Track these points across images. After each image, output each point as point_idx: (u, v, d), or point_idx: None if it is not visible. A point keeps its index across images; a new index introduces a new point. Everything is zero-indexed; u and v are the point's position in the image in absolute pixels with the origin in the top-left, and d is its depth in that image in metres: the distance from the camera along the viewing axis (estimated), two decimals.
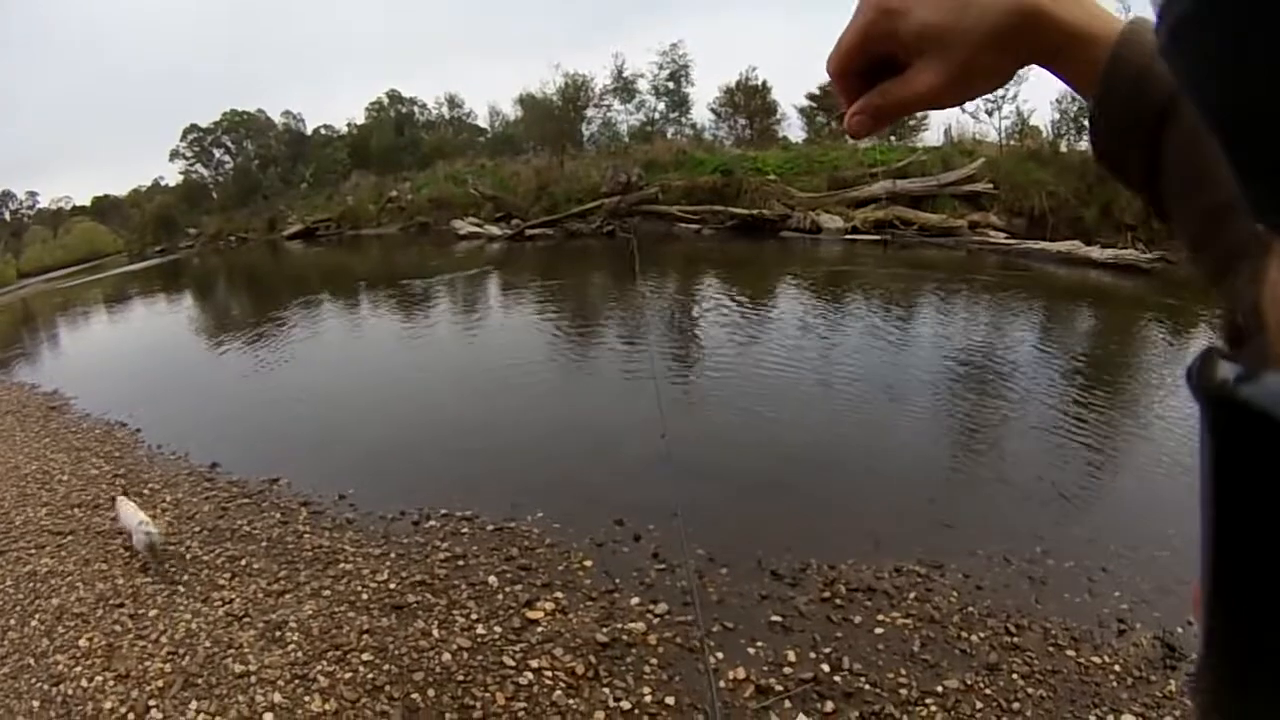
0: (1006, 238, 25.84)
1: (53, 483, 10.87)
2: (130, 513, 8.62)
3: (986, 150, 31.26)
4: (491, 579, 7.00)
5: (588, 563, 7.17)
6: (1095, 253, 22.52)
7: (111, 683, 6.17)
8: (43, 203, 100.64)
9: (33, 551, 8.84)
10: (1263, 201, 0.38)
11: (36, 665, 6.59)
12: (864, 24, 0.83)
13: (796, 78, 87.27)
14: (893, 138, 38.48)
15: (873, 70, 0.86)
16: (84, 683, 6.22)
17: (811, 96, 46.41)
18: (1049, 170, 27.93)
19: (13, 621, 7.35)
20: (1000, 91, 31.14)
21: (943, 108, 0.87)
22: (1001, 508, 7.77)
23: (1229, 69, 0.35)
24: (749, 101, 47.37)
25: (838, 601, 6.23)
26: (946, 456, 9.28)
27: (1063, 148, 30.64)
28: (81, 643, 6.78)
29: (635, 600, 6.45)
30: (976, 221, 27.06)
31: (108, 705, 5.89)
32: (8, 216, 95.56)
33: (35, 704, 6.08)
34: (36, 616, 7.38)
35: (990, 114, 33.59)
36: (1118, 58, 0.75)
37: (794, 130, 47.34)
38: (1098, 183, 25.33)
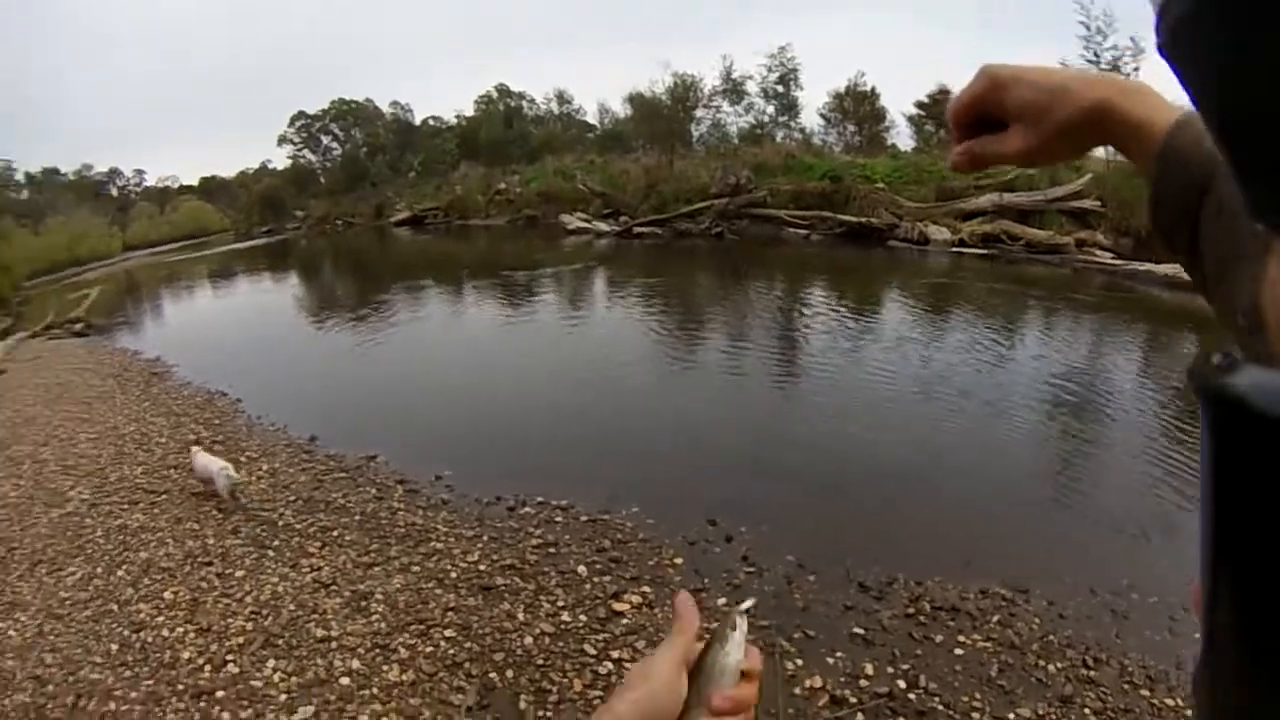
0: (1113, 258, 24.93)
1: (150, 444, 11.07)
2: (206, 461, 9.08)
3: (1094, 166, 30.34)
4: (581, 568, 6.93)
5: (678, 560, 7.05)
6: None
7: (192, 635, 6.24)
8: (150, 180, 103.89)
9: (125, 507, 9.00)
10: (1262, 201, 0.39)
11: (119, 612, 6.70)
12: (979, 89, 1.03)
13: (906, 85, 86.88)
14: None
15: (979, 123, 1.05)
16: (164, 632, 6.31)
17: (920, 105, 46.20)
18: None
19: (99, 570, 7.50)
20: None
21: (1026, 166, 1.10)
22: (1092, 536, 7.46)
23: (1228, 69, 0.37)
24: (858, 107, 47.21)
25: (921, 619, 6.02)
26: (1042, 479, 8.96)
27: None
28: (166, 595, 6.88)
29: (721, 600, 6.31)
30: (1083, 240, 26.31)
31: (185, 655, 5.97)
32: (115, 192, 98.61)
33: (114, 646, 6.20)
34: (124, 567, 7.50)
35: None
36: (1170, 145, 0.89)
37: (903, 138, 47.02)
38: None
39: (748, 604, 1.10)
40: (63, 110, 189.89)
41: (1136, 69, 30.77)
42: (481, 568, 7.10)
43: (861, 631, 5.89)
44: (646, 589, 6.56)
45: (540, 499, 8.46)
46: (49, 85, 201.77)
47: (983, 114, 1.04)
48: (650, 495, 8.35)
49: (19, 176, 79.00)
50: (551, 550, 7.34)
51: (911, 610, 6.12)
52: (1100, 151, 30.51)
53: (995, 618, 6.06)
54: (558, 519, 8.05)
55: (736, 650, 1.04)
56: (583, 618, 6.21)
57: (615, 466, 9.40)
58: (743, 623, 1.06)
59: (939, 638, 5.77)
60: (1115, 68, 31.23)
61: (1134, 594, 6.40)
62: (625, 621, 6.13)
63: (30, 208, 74.88)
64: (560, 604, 6.41)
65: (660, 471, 9.19)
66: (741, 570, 6.81)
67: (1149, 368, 13.65)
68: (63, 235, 62.29)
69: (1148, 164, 0.92)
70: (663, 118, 45.81)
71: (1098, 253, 25.59)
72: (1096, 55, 31.88)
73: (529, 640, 5.95)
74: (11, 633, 6.61)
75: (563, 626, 6.12)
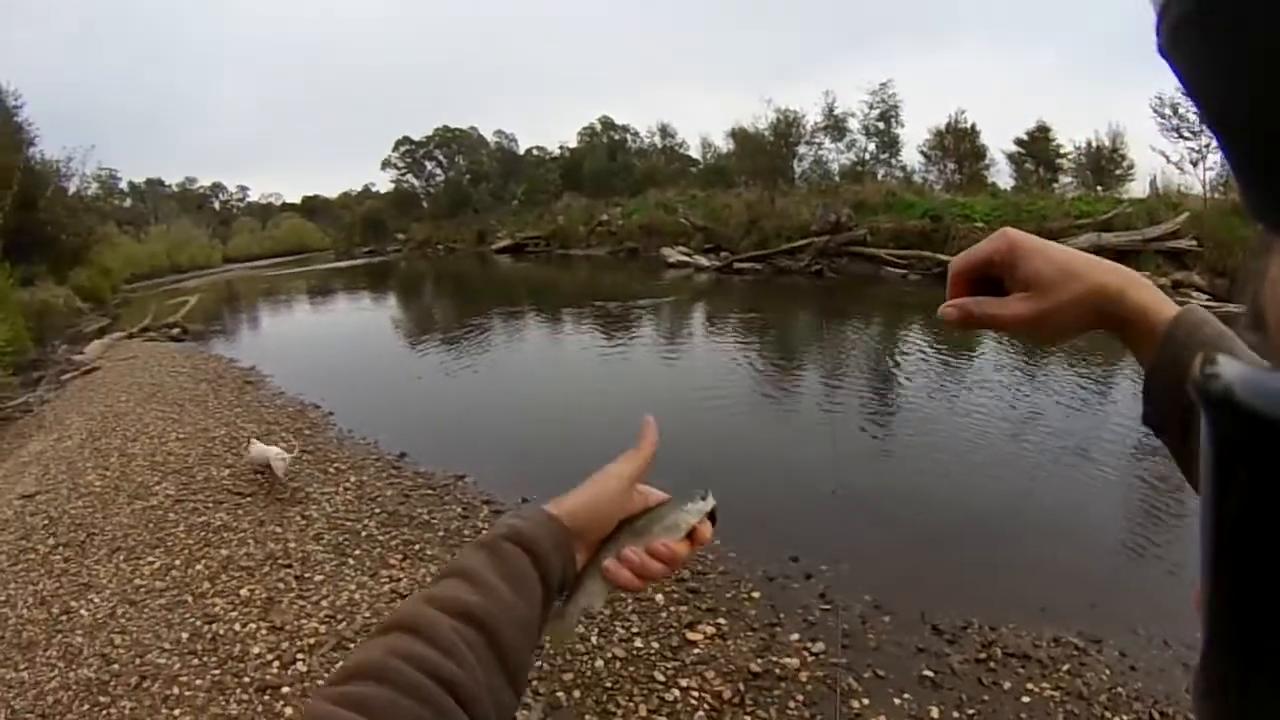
0: (1209, 299, 24.17)
1: (240, 449, 11.14)
2: (263, 449, 9.75)
3: (1191, 204, 29.82)
4: (658, 597, 6.82)
5: (755, 594, 6.94)
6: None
7: (264, 631, 6.28)
8: (253, 196, 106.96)
9: (209, 505, 9.13)
10: (1262, 201, 0.40)
11: (194, 603, 6.78)
12: (996, 250, 1.06)
13: (1005, 122, 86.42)
14: (1099, 188, 37.97)
15: (982, 280, 1.10)
16: (236, 626, 6.37)
17: (1019, 142, 45.65)
18: (1253, 226, 26.28)
19: (178, 562, 7.61)
20: (1205, 141, 31.05)
21: (1017, 336, 1.11)
22: (1171, 588, 7.22)
23: (1229, 69, 0.37)
24: (958, 145, 46.44)
25: (991, 664, 5.85)
26: (1125, 529, 8.71)
27: None
28: (243, 592, 6.93)
29: (795, 636, 6.21)
30: (1179, 281, 25.36)
31: (255, 650, 6.01)
32: (217, 206, 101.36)
33: (184, 635, 6.28)
34: (202, 562, 7.60)
35: (1195, 165, 32.13)
36: (1168, 335, 0.94)
37: (1002, 176, 46.30)
38: None
39: (712, 502, 1.19)
40: (172, 126, 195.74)
41: None
42: None
43: (931, 674, 5.75)
44: (721, 621, 6.47)
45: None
46: (159, 101, 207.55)
47: (989, 273, 1.09)
48: (734, 528, 8.16)
49: (123, 185, 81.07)
50: None
51: (983, 655, 5.97)
52: (1198, 188, 30.50)
53: (1066, 666, 5.92)
54: (593, 612, 7.94)
55: (693, 516, 1.16)
56: (655, 645, 6.15)
57: None
58: (707, 504, 1.18)
59: (1007, 684, 5.61)
60: None
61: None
62: (697, 651, 6.05)
63: (133, 215, 77.35)
64: (634, 630, 6.34)
65: (746, 506, 9.03)
66: (818, 607, 6.69)
67: None
68: (163, 243, 64.18)
69: (1146, 354, 0.98)
70: (765, 153, 45.59)
71: (1194, 294, 24.85)
72: None
73: (599, 663, 5.91)
74: (83, 612, 6.75)
75: (635, 652, 6.07)
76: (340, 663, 0.88)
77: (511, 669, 0.94)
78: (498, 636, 0.93)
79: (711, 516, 1.18)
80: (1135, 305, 0.98)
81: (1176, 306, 0.98)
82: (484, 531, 1.04)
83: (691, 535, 1.16)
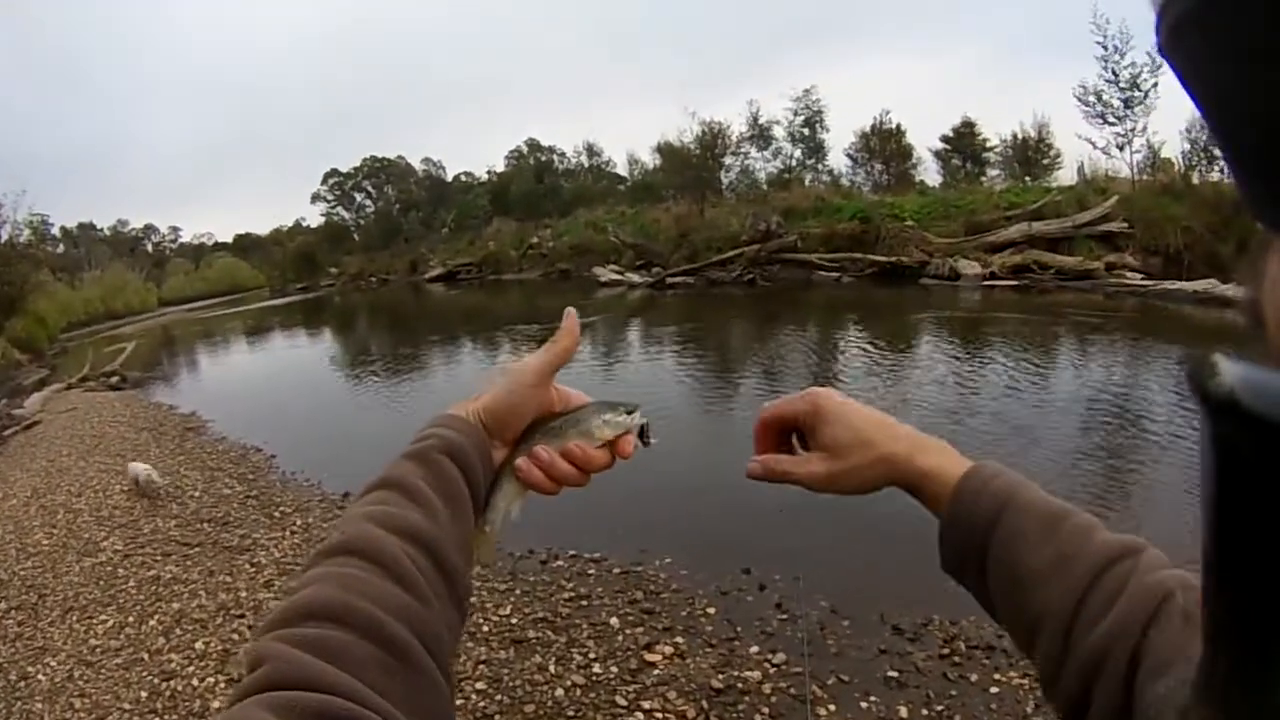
0: (1143, 278, 25.11)
1: (184, 498, 11.19)
2: (135, 467, 11.79)
3: (1120, 187, 30.86)
4: (613, 620, 6.88)
5: (711, 609, 6.99)
6: (1233, 290, 21.41)
7: (223, 685, 6.26)
8: (185, 237, 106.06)
9: (158, 559, 9.09)
10: (1262, 200, 0.39)
11: (150, 660, 6.75)
12: (800, 410, 1.17)
13: (931, 121, 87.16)
14: (1027, 178, 38.78)
15: (786, 430, 1.22)
16: (195, 681, 6.36)
17: (945, 139, 46.44)
18: (1183, 205, 27.30)
19: (131, 619, 7.57)
20: (1130, 125, 32.24)
21: (814, 490, 1.16)
22: None
23: (1230, 68, 0.37)
24: (884, 146, 47.07)
25: (956, 659, 5.94)
26: (1080, 509, 8.89)
27: (1195, 179, 30.11)
28: (198, 645, 6.91)
29: (754, 649, 6.27)
30: (1113, 263, 26.42)
31: (215, 704, 6.00)
32: (150, 248, 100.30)
33: (143, 694, 6.25)
34: (155, 617, 7.57)
35: (1121, 149, 33.20)
36: (959, 491, 1.03)
37: (930, 174, 47.25)
38: (1234, 215, 24.52)
39: (639, 419, 1.17)
40: (99, 168, 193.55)
41: (1155, 85, 31.32)
42: (514, 621, 7.08)
43: (896, 674, 5.82)
44: (679, 639, 6.50)
45: (573, 552, 8.45)
46: (85, 143, 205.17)
47: (792, 427, 1.20)
48: (684, 545, 8.32)
49: (55, 231, 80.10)
50: (584, 603, 7.31)
51: (946, 651, 6.05)
52: (1126, 171, 31.06)
53: None
54: (590, 571, 8.03)
55: (611, 428, 1.14)
56: (614, 669, 6.17)
57: (649, 518, 9.29)
58: (630, 419, 1.15)
59: (974, 677, 5.69)
60: (1134, 84, 31.97)
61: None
62: (657, 672, 6.07)
63: (66, 261, 76.35)
64: (592, 656, 6.37)
65: (694, 522, 9.13)
66: (775, 617, 6.75)
67: (1176, 387, 13.51)
68: (98, 289, 63.39)
69: (938, 511, 1.06)
70: (692, 166, 46.11)
71: (1128, 275, 25.77)
72: (1115, 74, 32.35)
73: (560, 692, 5.92)
74: (41, 677, 6.71)
75: (594, 678, 6.08)
76: (290, 593, 0.86)
77: (459, 594, 0.94)
78: (445, 561, 0.92)
79: (643, 436, 1.17)
80: (921, 469, 1.07)
81: (968, 464, 1.07)
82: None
83: (612, 447, 1.14)
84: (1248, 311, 0.44)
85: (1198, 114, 0.41)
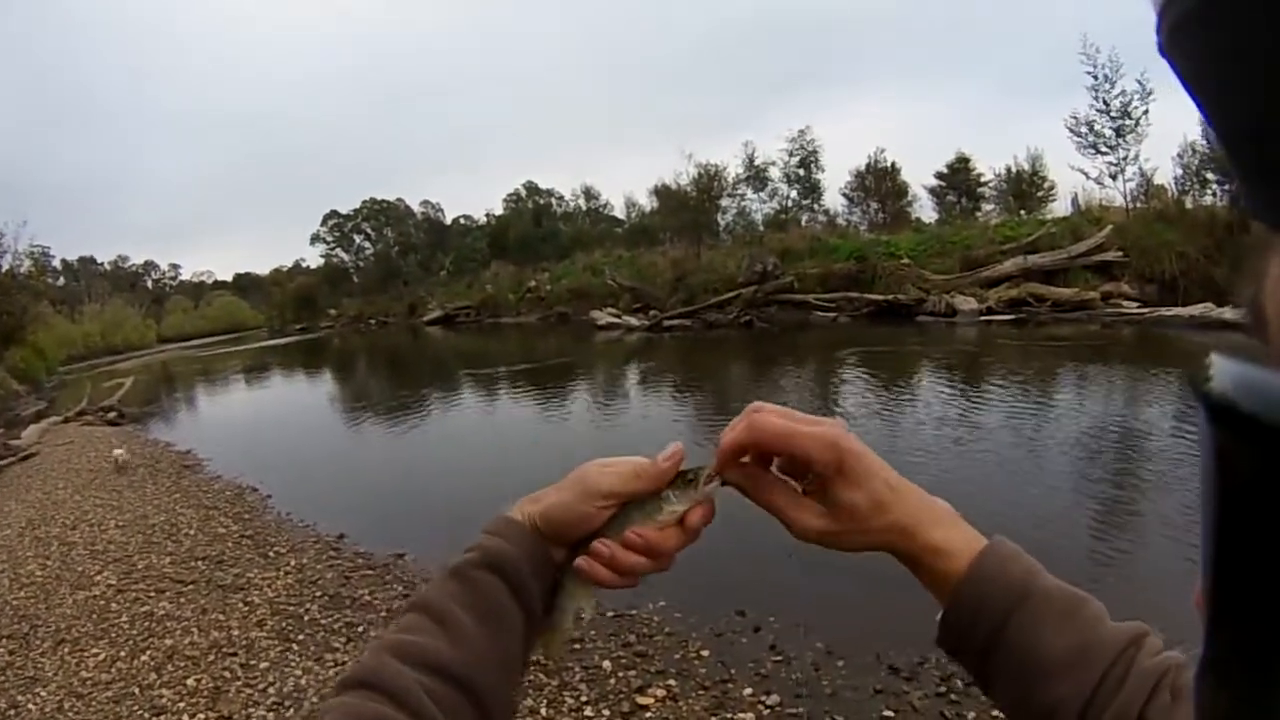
0: (1139, 307, 25.33)
1: (179, 535, 11.14)
2: (116, 452, 15.73)
3: (1114, 216, 31.05)
4: (606, 663, 6.82)
5: (704, 652, 6.92)
6: (1229, 313, 21.62)
7: None
8: (185, 274, 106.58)
9: (152, 595, 9.04)
10: (1264, 200, 0.39)
11: (140, 695, 6.69)
12: (813, 451, 0.97)
13: (925, 158, 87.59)
14: (1022, 211, 38.93)
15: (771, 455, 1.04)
16: (185, 718, 6.30)
17: (940, 175, 46.76)
18: (1177, 230, 27.44)
19: (123, 653, 7.51)
20: (1122, 153, 32.59)
21: (801, 539, 1.03)
22: (1134, 596, 7.30)
23: (1230, 67, 0.37)
24: (879, 184, 47.61)
25: (953, 696, 5.85)
26: (1074, 543, 8.82)
27: (1188, 204, 30.39)
28: (189, 682, 6.85)
29: (748, 690, 6.19)
30: (1109, 292, 26.61)
31: None
32: (150, 285, 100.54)
33: None
34: (148, 652, 7.50)
35: (1114, 178, 33.53)
36: (973, 574, 0.95)
37: (925, 210, 47.62)
38: (1227, 238, 25.07)
39: (702, 492, 1.06)
40: (102, 202, 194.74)
41: (1146, 111, 31.70)
42: None
43: (891, 714, 5.75)
44: (672, 682, 6.44)
45: None
46: (88, 176, 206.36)
47: (788, 459, 1.03)
48: (678, 588, 8.17)
49: (55, 263, 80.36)
50: (576, 646, 7.22)
51: (943, 689, 5.96)
52: (1119, 199, 31.74)
53: None
54: (583, 614, 7.92)
55: (682, 502, 1.06)
56: (606, 712, 6.12)
57: None
58: (687, 497, 1.06)
59: (971, 714, 5.60)
60: (1125, 113, 32.32)
61: (1177, 649, 6.25)
62: (649, 715, 6.03)
63: (66, 294, 76.72)
64: (584, 699, 6.31)
65: (688, 564, 8.72)
66: (769, 659, 6.68)
67: (1183, 416, 13.50)
68: (98, 323, 63.61)
69: (940, 590, 0.98)
70: (688, 209, 46.33)
71: (1124, 303, 25.96)
72: (1106, 103, 32.72)
73: None
74: (30, 706, 6.66)
75: None
76: None
77: (493, 712, 0.91)
78: (472, 685, 0.89)
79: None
80: (932, 544, 0.98)
81: (981, 541, 0.99)
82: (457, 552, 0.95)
83: (682, 521, 1.07)
84: (1249, 311, 0.44)
85: (1199, 114, 0.40)
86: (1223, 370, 0.35)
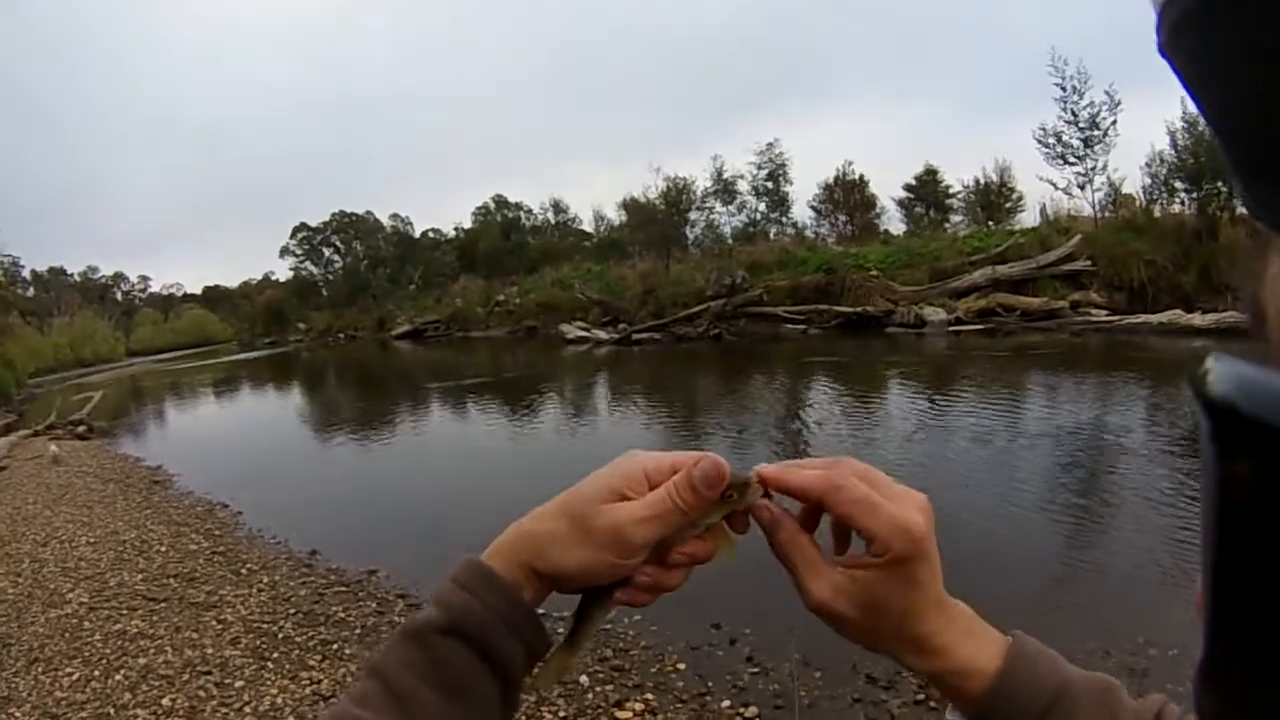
0: (1108, 314, 25.83)
1: (150, 552, 11.03)
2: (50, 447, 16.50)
3: (1082, 226, 31.53)
4: (583, 678, 6.77)
5: (681, 665, 6.93)
6: (1197, 319, 22.39)
7: None
8: (154, 287, 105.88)
9: (124, 613, 8.94)
10: (1264, 199, 0.39)
11: (115, 715, 6.61)
12: (888, 550, 0.85)
13: (894, 171, 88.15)
14: (991, 222, 39.39)
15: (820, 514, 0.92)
16: None
17: (909, 187, 47.54)
18: (1145, 239, 27.86)
19: (97, 673, 7.42)
20: (1090, 163, 32.99)
21: (807, 607, 0.89)
22: (1106, 597, 7.38)
23: (1231, 67, 0.37)
24: (848, 197, 48.07)
25: (932, 704, 5.89)
26: (1048, 546, 8.89)
27: (1156, 212, 30.76)
28: (164, 701, 6.77)
29: (726, 703, 6.21)
30: (1078, 301, 27.05)
31: None
32: (119, 297, 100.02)
33: None
34: (122, 672, 7.42)
35: (1082, 188, 33.90)
36: (1006, 678, 0.85)
37: (894, 222, 48.20)
38: (1193, 246, 25.50)
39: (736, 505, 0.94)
40: (71, 212, 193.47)
41: (1114, 122, 32.11)
42: None
43: None
44: (650, 696, 6.44)
45: (542, 611, 8.29)
46: (57, 187, 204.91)
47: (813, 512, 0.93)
48: (654, 603, 8.22)
49: (25, 274, 79.86)
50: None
51: (921, 696, 6.00)
52: (1088, 209, 32.24)
53: None
54: (560, 631, 7.93)
55: (714, 512, 0.94)
56: None
57: None
58: (722, 509, 0.94)
59: None
60: (1094, 123, 32.61)
61: (1152, 649, 6.30)
62: None
63: (36, 305, 76.16)
64: (562, 714, 6.28)
65: None
66: (746, 671, 6.70)
67: (1151, 419, 13.59)
68: (67, 336, 63.22)
69: (961, 687, 0.88)
70: (657, 222, 46.62)
71: (1093, 312, 26.35)
72: (1074, 114, 33.02)
73: None
74: None
75: None
76: None
77: None
78: None
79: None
80: (949, 669, 0.89)
81: (999, 641, 0.91)
82: (417, 611, 0.80)
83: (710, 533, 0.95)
84: (1249, 310, 0.44)
85: (1199, 113, 0.40)
86: (1222, 371, 0.35)
